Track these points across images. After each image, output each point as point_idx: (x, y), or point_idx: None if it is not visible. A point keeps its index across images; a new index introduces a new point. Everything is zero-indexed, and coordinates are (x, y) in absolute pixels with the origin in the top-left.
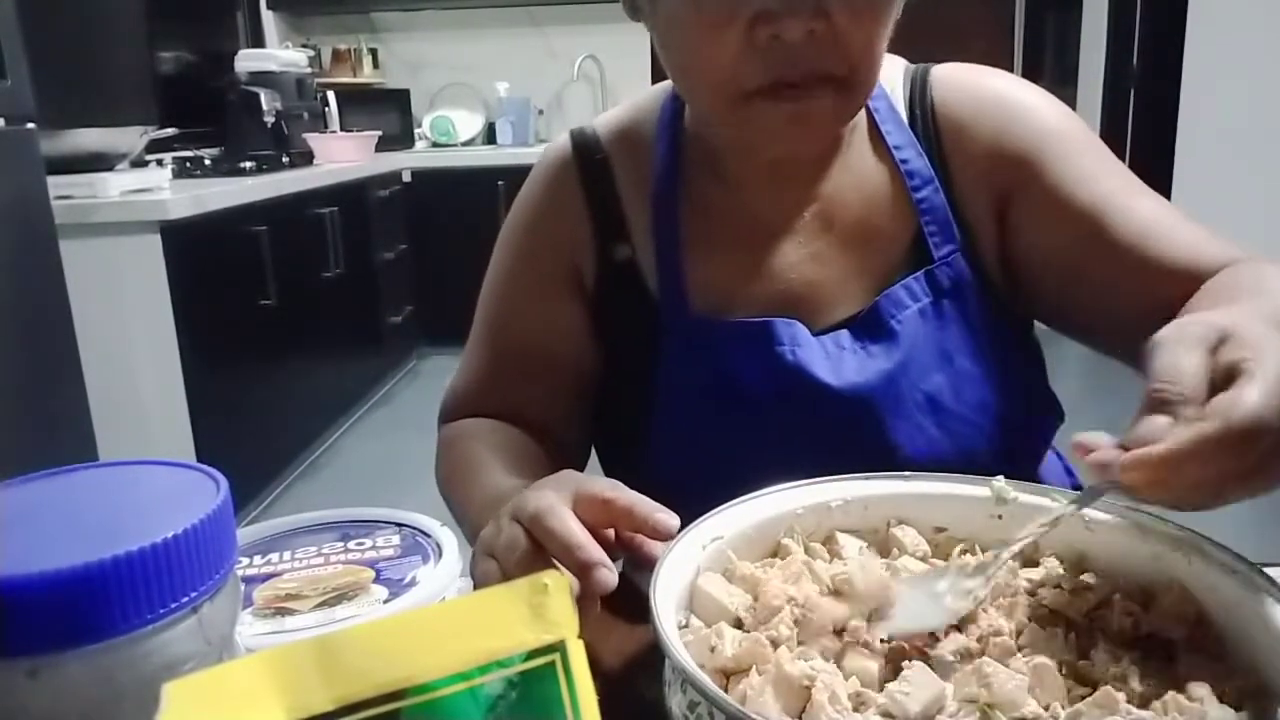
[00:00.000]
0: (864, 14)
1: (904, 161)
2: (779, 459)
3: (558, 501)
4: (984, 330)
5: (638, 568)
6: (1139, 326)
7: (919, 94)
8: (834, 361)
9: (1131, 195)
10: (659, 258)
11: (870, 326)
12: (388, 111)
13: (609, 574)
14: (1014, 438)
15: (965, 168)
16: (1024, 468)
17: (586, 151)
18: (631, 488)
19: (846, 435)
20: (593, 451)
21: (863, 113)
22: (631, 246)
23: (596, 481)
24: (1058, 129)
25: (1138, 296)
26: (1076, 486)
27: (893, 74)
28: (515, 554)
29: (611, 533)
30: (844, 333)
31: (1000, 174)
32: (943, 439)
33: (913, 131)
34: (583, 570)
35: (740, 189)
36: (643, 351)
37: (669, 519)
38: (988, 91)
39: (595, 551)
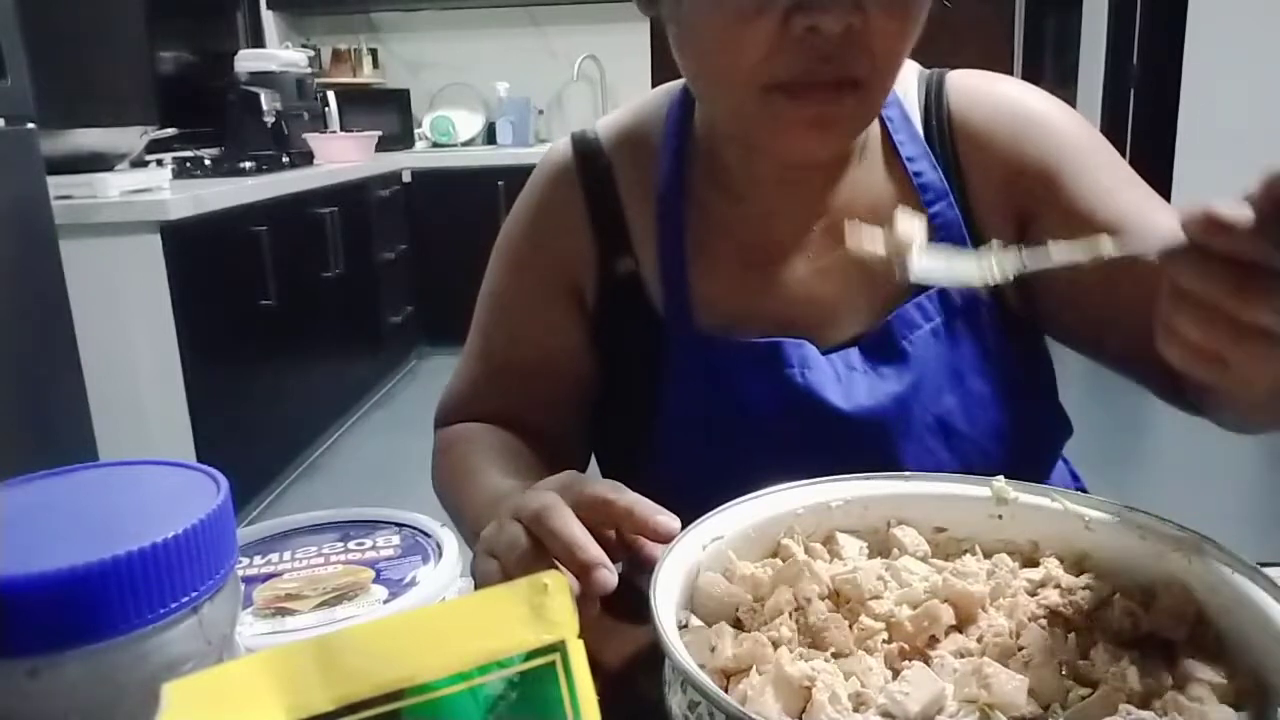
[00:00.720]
0: (899, 13)
1: (917, 174)
2: (785, 479)
3: (559, 501)
4: (996, 349)
5: (638, 569)
6: (1153, 351)
7: (934, 101)
8: (844, 384)
9: (1151, 210)
10: (663, 271)
11: (881, 347)
12: (388, 111)
13: (609, 574)
14: (1024, 455)
15: (982, 180)
16: (1034, 481)
17: (588, 158)
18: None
19: (855, 458)
20: (593, 459)
21: (875, 122)
22: (635, 259)
23: (598, 482)
24: (1076, 143)
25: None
26: (1082, 490)
27: (906, 79)
28: (516, 553)
29: (613, 534)
30: (854, 352)
31: (1019, 189)
32: (952, 461)
33: (927, 140)
34: (582, 570)
35: (748, 200)
36: (646, 365)
37: (669, 521)
38: (1006, 101)
39: (595, 551)
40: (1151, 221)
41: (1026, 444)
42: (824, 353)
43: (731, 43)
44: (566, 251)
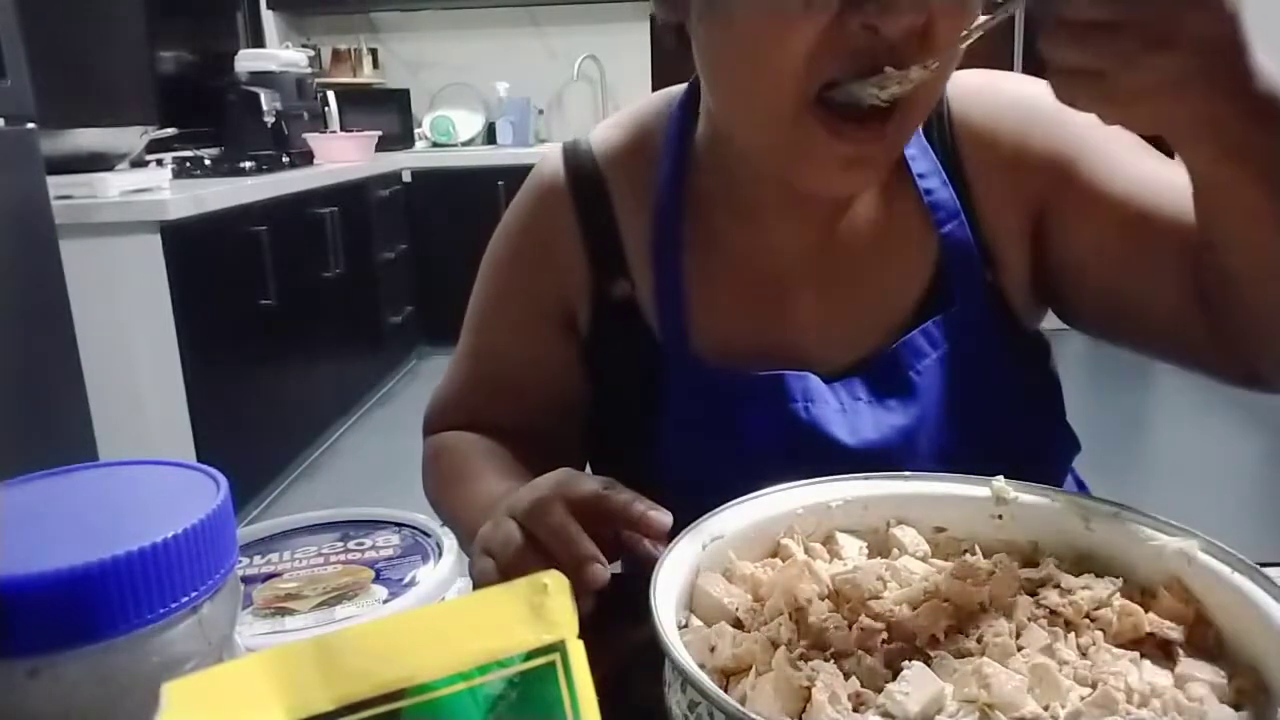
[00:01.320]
0: (961, 15)
1: (928, 192)
2: None
3: (552, 497)
4: (1003, 374)
5: (637, 567)
6: (1193, 314)
7: (937, 108)
8: (849, 417)
9: (1171, 175)
10: (660, 295)
11: (887, 377)
12: (388, 111)
13: (601, 569)
14: (1032, 478)
15: (988, 183)
16: None
17: (581, 173)
18: None
19: None
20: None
21: None
22: (630, 281)
23: (591, 479)
24: (1084, 120)
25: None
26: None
27: None
28: (510, 550)
29: (609, 531)
30: (858, 382)
31: (1030, 181)
32: None
33: (929, 143)
34: (575, 565)
35: (752, 219)
36: (643, 391)
37: (661, 516)
38: (1007, 95)
39: (587, 546)
40: (1175, 187)
41: (1035, 467)
42: (826, 380)
43: (776, 39)
44: (557, 273)
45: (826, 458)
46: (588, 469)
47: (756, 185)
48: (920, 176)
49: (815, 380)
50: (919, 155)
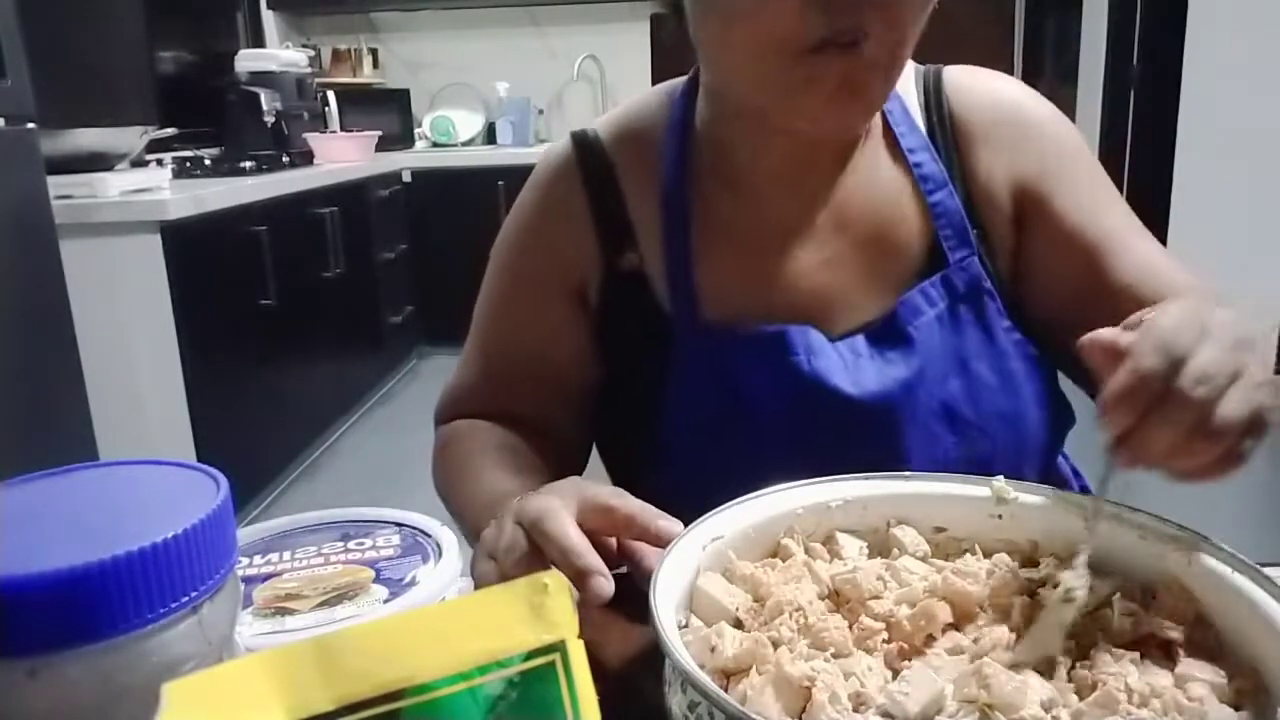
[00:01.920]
0: None
1: (918, 165)
2: (791, 468)
3: (560, 507)
4: (999, 335)
5: (639, 577)
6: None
7: (934, 98)
8: (851, 369)
9: (1132, 234)
10: (668, 267)
11: (887, 334)
12: (388, 111)
13: (605, 582)
14: (1027, 443)
15: (985, 177)
16: (1035, 471)
17: (590, 155)
18: (639, 494)
19: (862, 444)
20: (594, 453)
21: (877, 114)
22: (639, 255)
23: (600, 489)
24: (1070, 154)
25: None
26: (1084, 489)
27: (904, 75)
28: (514, 556)
29: (613, 542)
30: (860, 339)
31: (1016, 195)
32: (957, 447)
33: (929, 135)
34: (579, 577)
35: (753, 193)
36: (652, 362)
37: (671, 525)
38: (1008, 106)
39: (592, 559)
40: (1130, 247)
41: (1030, 430)
42: (831, 341)
43: (761, 5)
44: (568, 250)
45: (829, 408)
46: (593, 467)
47: (755, 159)
48: (910, 151)
49: (817, 335)
50: (908, 133)
